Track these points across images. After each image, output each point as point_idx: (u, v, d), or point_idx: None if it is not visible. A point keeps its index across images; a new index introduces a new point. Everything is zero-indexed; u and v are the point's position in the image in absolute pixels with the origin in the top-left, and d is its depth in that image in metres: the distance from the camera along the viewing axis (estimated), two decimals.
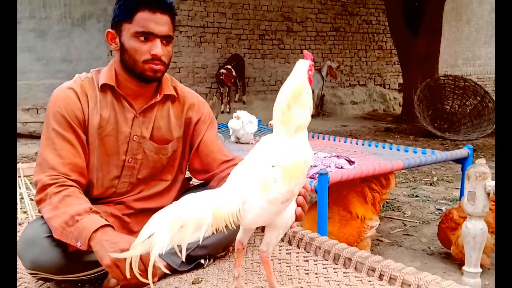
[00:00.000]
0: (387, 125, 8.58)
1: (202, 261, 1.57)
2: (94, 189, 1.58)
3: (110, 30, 1.54)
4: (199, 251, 1.55)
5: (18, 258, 1.33)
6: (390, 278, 1.32)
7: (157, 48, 1.47)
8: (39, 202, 1.40)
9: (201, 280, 1.46)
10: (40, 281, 1.39)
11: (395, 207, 3.80)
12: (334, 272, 1.42)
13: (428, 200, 3.99)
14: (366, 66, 10.90)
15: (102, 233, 1.28)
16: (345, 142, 3.56)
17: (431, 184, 4.56)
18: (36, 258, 1.30)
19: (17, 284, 1.39)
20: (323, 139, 3.69)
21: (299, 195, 1.25)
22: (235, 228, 1.18)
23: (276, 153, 1.20)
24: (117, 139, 1.56)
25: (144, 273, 1.14)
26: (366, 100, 10.64)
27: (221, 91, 8.39)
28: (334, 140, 3.62)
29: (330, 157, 2.44)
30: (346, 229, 2.38)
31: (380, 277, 1.35)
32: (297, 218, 1.26)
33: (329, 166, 2.34)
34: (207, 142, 1.66)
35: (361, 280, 1.35)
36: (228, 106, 8.43)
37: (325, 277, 1.39)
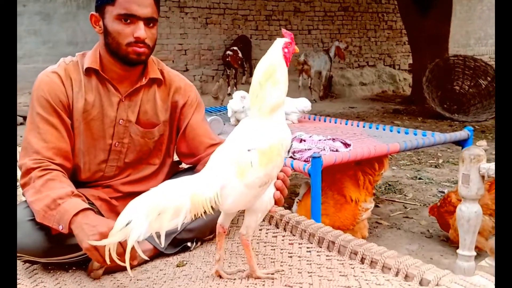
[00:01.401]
0: (396, 106, 8.50)
1: (189, 244, 1.58)
2: (81, 173, 1.59)
3: (93, 13, 1.53)
4: (185, 234, 1.56)
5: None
6: (371, 261, 1.32)
7: (140, 30, 1.46)
8: (23, 186, 1.41)
9: (186, 263, 1.48)
10: (26, 264, 1.41)
11: (396, 189, 3.78)
12: (317, 255, 1.42)
13: (431, 183, 3.96)
14: (375, 46, 10.76)
15: (82, 216, 1.29)
16: (346, 124, 3.52)
17: (436, 166, 4.52)
18: (20, 241, 1.32)
19: None
20: (324, 121, 3.67)
21: (278, 179, 1.25)
22: (213, 213, 1.18)
23: (252, 137, 1.19)
24: (103, 123, 1.56)
25: (123, 256, 1.15)
26: (375, 81, 10.53)
27: (228, 73, 8.36)
28: (335, 123, 3.59)
29: (325, 140, 2.42)
30: (341, 213, 2.38)
31: (362, 260, 1.34)
32: (276, 202, 1.26)
33: (324, 149, 2.32)
34: (194, 125, 1.65)
35: (342, 264, 1.35)
36: (235, 88, 8.39)
37: (307, 260, 1.39)
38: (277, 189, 1.24)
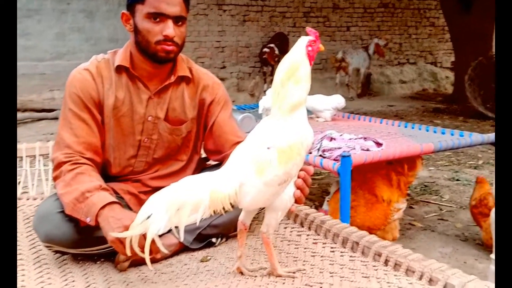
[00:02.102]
0: (437, 105, 8.27)
1: (214, 239, 1.60)
2: (112, 167, 1.63)
3: (124, 11, 1.56)
4: (210, 230, 1.58)
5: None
6: (395, 264, 1.30)
7: (169, 29, 1.48)
8: (54, 179, 1.47)
9: (210, 258, 1.49)
10: (57, 254, 1.46)
11: (433, 190, 3.68)
12: (341, 255, 1.41)
13: (470, 184, 3.83)
14: (416, 43, 10.49)
15: (108, 209, 1.33)
16: (381, 123, 3.46)
17: (475, 168, 4.38)
18: (49, 232, 1.37)
19: (37, 257, 1.47)
20: (358, 119, 3.61)
21: (298, 177, 1.24)
22: (232, 210, 1.20)
23: (272, 135, 1.19)
24: (132, 120, 1.60)
25: (153, 246, 1.18)
26: (416, 79, 10.28)
27: (264, 70, 8.36)
28: (370, 121, 3.53)
29: (356, 138, 2.39)
30: (372, 212, 2.34)
31: (386, 262, 1.32)
32: (297, 201, 1.25)
33: (354, 148, 2.29)
34: (220, 123, 1.67)
35: (365, 265, 1.33)
36: (270, 85, 8.38)
37: (330, 260, 1.38)
38: (298, 188, 1.24)
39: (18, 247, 1.50)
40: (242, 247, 1.32)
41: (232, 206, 1.19)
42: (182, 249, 1.56)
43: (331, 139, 2.39)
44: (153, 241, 1.24)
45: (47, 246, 1.41)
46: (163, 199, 1.16)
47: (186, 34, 1.61)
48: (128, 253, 1.18)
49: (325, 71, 9.27)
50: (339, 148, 2.28)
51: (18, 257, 1.44)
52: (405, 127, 3.25)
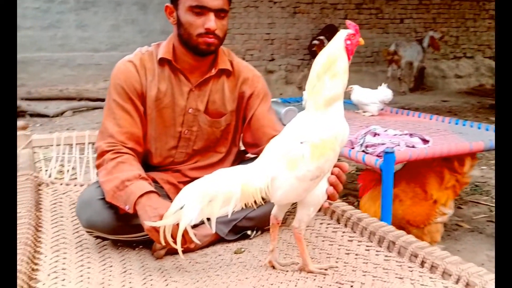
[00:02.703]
0: (493, 101, 7.91)
1: (249, 232, 1.60)
2: (153, 157, 1.67)
3: (168, 4, 1.59)
4: (246, 222, 1.59)
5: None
6: (432, 266, 1.26)
7: (211, 22, 1.49)
8: (97, 167, 1.52)
9: (244, 251, 1.50)
10: (98, 240, 1.51)
11: (484, 191, 3.53)
12: (376, 254, 1.38)
13: None
14: (474, 36, 10.04)
15: (146, 198, 1.36)
16: (430, 119, 3.34)
17: None
18: (90, 218, 1.43)
19: (79, 241, 1.53)
20: (407, 114, 3.50)
21: (332, 174, 1.23)
22: (263, 203, 1.20)
23: (306, 129, 1.18)
24: (174, 111, 1.63)
25: (182, 238, 1.20)
26: (472, 73, 9.85)
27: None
28: (419, 117, 3.41)
29: (401, 135, 2.32)
30: (416, 208, 2.28)
31: (422, 264, 1.28)
32: (330, 197, 1.24)
33: (398, 145, 2.22)
34: (259, 116, 1.67)
35: (401, 266, 1.30)
36: None
37: (364, 259, 1.36)
38: (331, 184, 1.22)
39: (62, 231, 1.57)
40: (274, 241, 1.32)
41: (264, 200, 1.19)
42: (218, 240, 1.58)
43: (375, 134, 2.34)
44: (186, 231, 1.27)
45: (88, 232, 1.47)
46: (196, 190, 1.17)
47: (228, 27, 1.61)
48: (162, 242, 1.21)
49: (377, 64, 9.05)
50: (383, 144, 2.22)
51: (62, 241, 1.50)
52: (456, 124, 3.12)
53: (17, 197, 1.75)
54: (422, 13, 9.47)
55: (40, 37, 7.19)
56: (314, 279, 1.24)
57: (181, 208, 1.16)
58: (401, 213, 2.25)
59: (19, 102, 6.54)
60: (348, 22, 1.25)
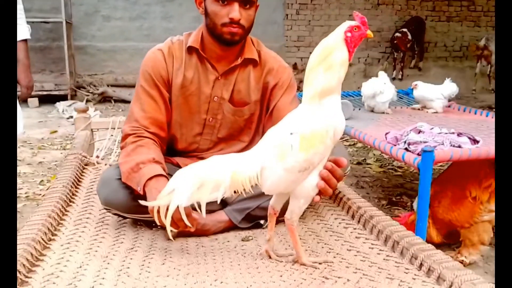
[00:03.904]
0: None
1: (262, 221, 1.62)
2: (178, 143, 1.74)
3: None
4: (258, 211, 1.61)
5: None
6: (428, 269, 1.20)
7: (235, 12, 1.52)
8: (121, 149, 1.62)
9: (251, 239, 1.53)
10: (120, 218, 1.62)
11: None
12: (378, 253, 1.35)
13: None
14: None
15: (155, 181, 1.43)
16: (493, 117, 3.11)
17: None
18: (107, 196, 1.53)
19: (102, 217, 1.64)
20: (475, 113, 3.28)
21: (325, 168, 1.21)
22: (252, 192, 1.22)
23: (297, 121, 1.18)
24: (199, 99, 1.68)
25: (183, 221, 1.26)
26: None
27: (395, 56, 7.97)
28: (487, 116, 3.19)
29: (446, 133, 2.19)
30: (456, 206, 2.16)
31: (420, 266, 1.23)
32: (321, 192, 1.22)
33: (442, 143, 2.11)
34: (280, 107, 1.67)
35: (398, 266, 1.26)
36: (401, 72, 7.98)
37: (363, 257, 1.33)
38: (322, 178, 1.20)
39: (90, 208, 1.70)
40: (271, 231, 1.33)
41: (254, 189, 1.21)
42: (232, 227, 1.62)
43: (419, 132, 2.23)
44: (190, 215, 1.33)
45: (106, 209, 1.58)
46: (187, 175, 1.22)
47: (254, 17, 1.62)
48: (157, 221, 1.28)
49: (465, 59, 8.52)
50: (425, 142, 2.12)
51: (87, 216, 1.63)
52: None
53: (60, 173, 1.92)
54: None
55: (128, 27, 7.65)
56: (302, 272, 1.24)
57: (172, 191, 1.21)
58: (442, 213, 2.16)
59: (105, 88, 7.04)
60: (355, 13, 1.21)
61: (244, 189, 1.21)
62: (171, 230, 1.49)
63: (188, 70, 1.66)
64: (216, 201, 1.24)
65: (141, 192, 1.45)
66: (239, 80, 1.69)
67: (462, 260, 2.17)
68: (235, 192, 1.22)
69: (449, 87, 3.19)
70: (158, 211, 1.31)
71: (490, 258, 2.28)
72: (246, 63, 1.69)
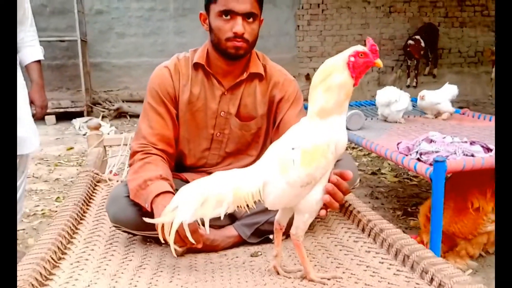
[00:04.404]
0: None
1: (271, 236, 1.61)
2: (187, 158, 1.75)
3: (202, 12, 1.66)
4: (267, 226, 1.60)
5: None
6: (439, 284, 1.17)
7: (238, 26, 1.53)
8: (129, 166, 1.63)
9: (260, 254, 1.52)
10: (130, 235, 1.62)
11: None
12: (388, 268, 1.32)
13: None
14: None
15: (162, 198, 1.44)
16: None
17: None
18: (116, 214, 1.54)
19: (112, 235, 1.65)
20: (490, 120, 3.23)
21: (330, 182, 1.20)
22: (255, 207, 1.21)
23: (298, 135, 1.17)
24: (206, 114, 1.69)
25: (194, 235, 1.27)
26: None
27: (409, 63, 7.92)
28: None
29: (459, 142, 2.16)
30: (459, 218, 2.12)
31: (431, 281, 1.20)
32: (328, 206, 1.21)
33: (455, 153, 2.08)
34: (287, 120, 1.67)
35: (408, 281, 1.23)
36: (415, 80, 7.92)
37: (373, 272, 1.30)
38: (327, 192, 1.19)
39: (101, 226, 1.71)
40: (278, 247, 1.32)
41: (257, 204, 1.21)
42: (241, 242, 1.61)
43: (431, 141, 2.20)
44: (196, 231, 1.33)
45: (115, 226, 1.58)
46: (190, 192, 1.23)
47: (258, 31, 1.63)
48: (161, 238, 1.27)
49: (481, 64, 8.42)
50: (437, 152, 2.09)
51: (97, 233, 1.64)
52: None
53: (71, 191, 1.94)
54: None
55: (142, 43, 7.76)
56: None
57: (176, 208, 1.22)
58: (445, 225, 2.11)
59: (120, 104, 7.13)
60: (368, 39, 1.19)
61: (248, 205, 1.20)
62: (180, 247, 1.51)
63: (194, 86, 1.68)
64: (225, 216, 1.24)
65: (149, 209, 1.46)
66: (245, 95, 1.70)
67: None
68: (238, 207, 1.21)
69: (450, 89, 3.18)
70: (163, 228, 1.32)
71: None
72: (252, 78, 1.69)
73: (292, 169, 1.15)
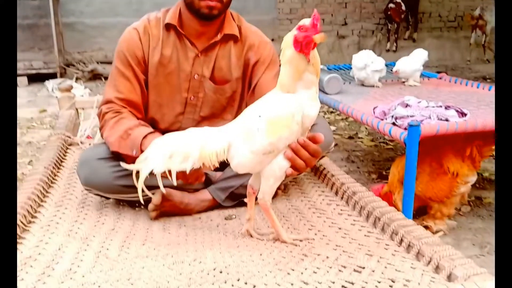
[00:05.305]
0: None
1: (246, 200, 1.61)
2: (160, 124, 1.71)
3: None
4: (242, 190, 1.59)
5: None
6: (408, 245, 1.20)
7: None
8: (100, 129, 1.60)
9: (234, 217, 1.53)
10: (102, 199, 1.60)
11: None
12: (359, 230, 1.34)
13: None
14: None
15: (151, 136, 1.43)
16: (490, 90, 3.08)
17: None
18: (87, 177, 1.51)
19: (85, 199, 1.63)
20: (466, 85, 3.24)
21: (297, 142, 1.19)
22: (218, 166, 1.21)
23: (267, 105, 1.17)
24: (179, 77, 1.65)
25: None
26: None
27: (389, 27, 7.87)
28: (478, 87, 3.16)
29: (434, 106, 2.17)
30: (436, 183, 2.15)
31: (400, 242, 1.23)
32: (293, 167, 1.21)
33: (429, 117, 2.09)
34: (262, 84, 1.64)
35: (378, 243, 1.26)
36: (395, 44, 7.90)
37: (344, 233, 1.33)
38: (287, 159, 1.19)
39: (73, 189, 1.68)
40: (251, 210, 1.32)
41: (224, 164, 1.22)
42: (216, 206, 1.61)
43: (407, 105, 2.21)
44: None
45: (87, 189, 1.56)
46: (161, 144, 1.24)
47: None
48: (135, 183, 1.24)
49: (460, 29, 8.42)
50: (412, 116, 2.10)
51: (69, 197, 1.62)
52: None
53: (42, 154, 1.90)
54: None
55: (117, 2, 7.50)
56: (282, 250, 1.23)
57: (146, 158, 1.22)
58: (421, 190, 2.14)
59: (95, 65, 6.96)
60: (314, 12, 1.14)
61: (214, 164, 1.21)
62: (153, 210, 1.50)
63: (165, 48, 1.63)
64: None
65: (138, 154, 1.39)
66: (220, 57, 1.66)
67: (430, 226, 2.18)
68: (203, 164, 1.21)
69: (421, 56, 3.15)
70: (137, 175, 1.29)
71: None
72: (226, 39, 1.65)
73: (256, 137, 1.16)
